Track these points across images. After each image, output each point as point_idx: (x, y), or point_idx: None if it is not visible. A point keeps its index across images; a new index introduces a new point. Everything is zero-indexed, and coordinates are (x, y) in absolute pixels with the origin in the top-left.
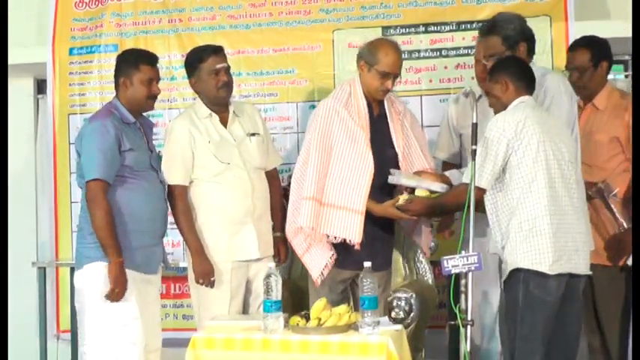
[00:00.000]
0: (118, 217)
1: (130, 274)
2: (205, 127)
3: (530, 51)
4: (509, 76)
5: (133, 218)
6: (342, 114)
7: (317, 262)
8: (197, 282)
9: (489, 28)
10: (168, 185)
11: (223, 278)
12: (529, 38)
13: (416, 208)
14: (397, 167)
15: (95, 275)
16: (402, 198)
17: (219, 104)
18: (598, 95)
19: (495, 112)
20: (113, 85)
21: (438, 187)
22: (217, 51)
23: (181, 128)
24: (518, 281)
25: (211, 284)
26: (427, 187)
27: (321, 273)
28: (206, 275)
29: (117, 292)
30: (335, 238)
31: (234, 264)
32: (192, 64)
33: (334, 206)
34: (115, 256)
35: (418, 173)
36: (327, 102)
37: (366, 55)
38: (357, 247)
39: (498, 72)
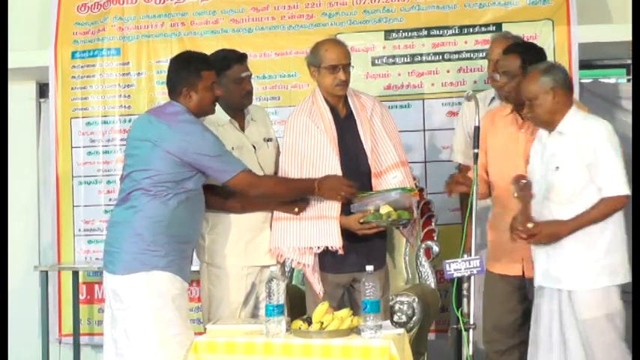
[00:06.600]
0: (174, 228)
1: (181, 284)
2: (228, 134)
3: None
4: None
5: (188, 231)
6: (307, 123)
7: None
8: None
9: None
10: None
11: (238, 283)
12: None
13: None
14: (367, 165)
15: (154, 283)
16: (367, 217)
17: (239, 110)
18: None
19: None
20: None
21: (394, 193)
22: (242, 59)
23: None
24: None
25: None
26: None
27: (321, 285)
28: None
29: (350, 191)
30: (318, 248)
31: (249, 269)
32: (215, 71)
33: (310, 217)
34: (313, 183)
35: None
36: (291, 115)
37: (311, 60)
38: (340, 251)
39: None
